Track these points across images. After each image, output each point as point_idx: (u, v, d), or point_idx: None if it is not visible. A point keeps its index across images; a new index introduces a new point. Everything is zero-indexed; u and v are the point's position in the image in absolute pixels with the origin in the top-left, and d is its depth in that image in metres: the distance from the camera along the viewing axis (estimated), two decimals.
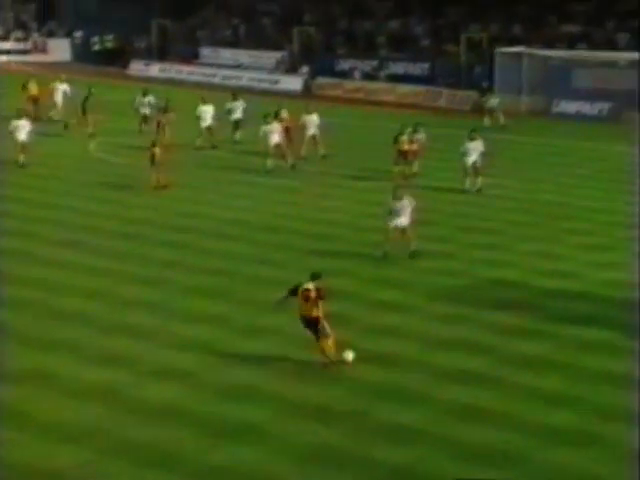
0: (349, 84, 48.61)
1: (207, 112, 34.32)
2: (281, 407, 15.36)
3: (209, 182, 30.10)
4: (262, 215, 26.37)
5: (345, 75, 49.75)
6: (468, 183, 28.52)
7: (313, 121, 32.83)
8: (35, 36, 60.07)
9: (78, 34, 59.99)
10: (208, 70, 53.32)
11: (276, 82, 50.61)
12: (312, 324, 16.78)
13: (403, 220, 22.34)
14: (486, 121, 37.95)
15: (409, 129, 30.55)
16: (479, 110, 40.25)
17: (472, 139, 28.56)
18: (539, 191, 29.07)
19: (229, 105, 35.57)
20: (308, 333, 16.90)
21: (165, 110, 34.63)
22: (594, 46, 43.24)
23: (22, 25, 61.31)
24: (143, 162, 29.68)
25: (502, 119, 38.48)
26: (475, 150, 28.33)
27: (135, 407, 15.34)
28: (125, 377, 16.31)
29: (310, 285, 16.77)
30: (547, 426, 14.80)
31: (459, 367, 16.77)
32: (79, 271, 21.71)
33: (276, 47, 53.47)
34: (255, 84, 49.84)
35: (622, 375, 16.47)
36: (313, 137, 32.90)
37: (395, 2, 51.96)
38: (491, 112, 38.58)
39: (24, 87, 40.06)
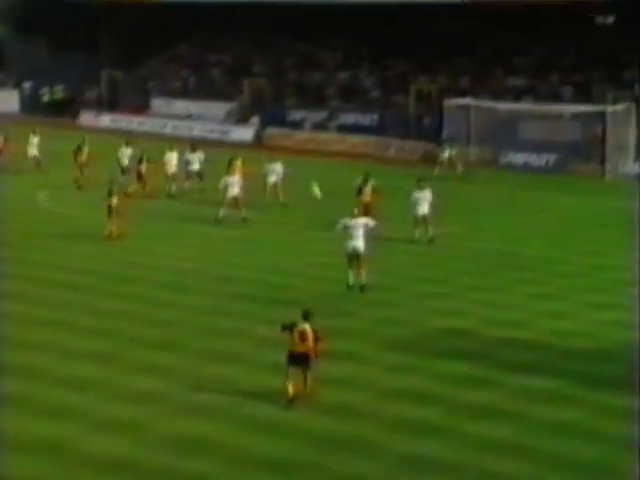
0: (300, 134, 48.93)
1: (172, 159, 35.08)
2: (233, 458, 15.22)
3: (161, 232, 29.99)
4: (215, 265, 26.29)
5: (296, 126, 50.10)
6: (418, 233, 28.72)
7: (276, 169, 33.37)
8: None
9: (27, 85, 59.81)
10: (159, 121, 53.42)
11: (227, 132, 50.81)
12: (302, 360, 16.91)
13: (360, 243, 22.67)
14: (437, 171, 38.41)
15: (371, 180, 30.47)
16: (432, 160, 40.77)
17: (421, 189, 28.81)
18: (488, 240, 29.33)
19: (188, 156, 35.71)
20: (290, 370, 16.87)
21: (141, 161, 34.64)
22: (539, 99, 44.05)
23: None
24: (93, 213, 29.53)
25: (460, 168, 39.10)
26: (424, 200, 28.58)
27: (83, 460, 15.10)
28: (73, 430, 16.08)
29: (306, 326, 16.98)
30: (499, 475, 14.81)
31: (411, 417, 16.76)
32: (22, 323, 21.42)
33: (227, 98, 53.75)
34: (206, 134, 49.99)
35: (572, 424, 16.57)
36: (275, 185, 33.23)
37: (345, 54, 52.58)
38: (450, 162, 39.18)
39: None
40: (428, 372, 18.87)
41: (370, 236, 23.66)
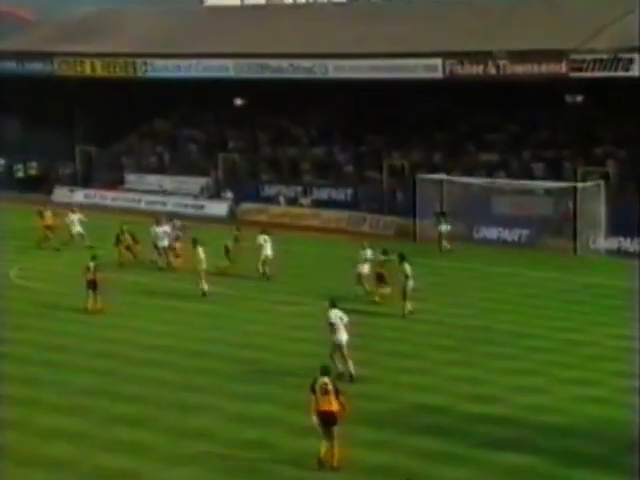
0: (274, 209, 49.21)
1: (164, 232, 35.64)
2: None
3: (133, 308, 29.96)
4: (188, 341, 26.26)
5: (270, 200, 50.42)
6: (410, 306, 28.83)
7: (267, 243, 34.23)
8: None
9: (0, 161, 59.99)
10: (133, 195, 53.63)
11: (201, 207, 51.05)
12: (331, 420, 17.60)
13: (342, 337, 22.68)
14: (444, 246, 39.33)
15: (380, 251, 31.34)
16: (406, 235, 41.23)
17: (402, 263, 29.09)
18: (461, 315, 29.49)
19: (155, 230, 35.93)
20: (321, 431, 17.46)
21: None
22: (512, 174, 44.66)
23: None
24: (66, 288, 29.50)
25: (448, 245, 39.60)
26: (410, 274, 28.89)
27: None
28: None
29: (326, 379, 17.87)
30: None
31: None
32: None
33: (201, 173, 54.08)
34: (180, 209, 50.14)
35: None
36: (266, 257, 34.09)
37: (318, 130, 53.21)
38: (440, 237, 39.72)
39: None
40: (402, 448, 18.84)
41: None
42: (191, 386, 22.40)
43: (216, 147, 54.90)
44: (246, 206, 50.25)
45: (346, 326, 23.12)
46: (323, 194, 49.67)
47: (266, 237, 34.68)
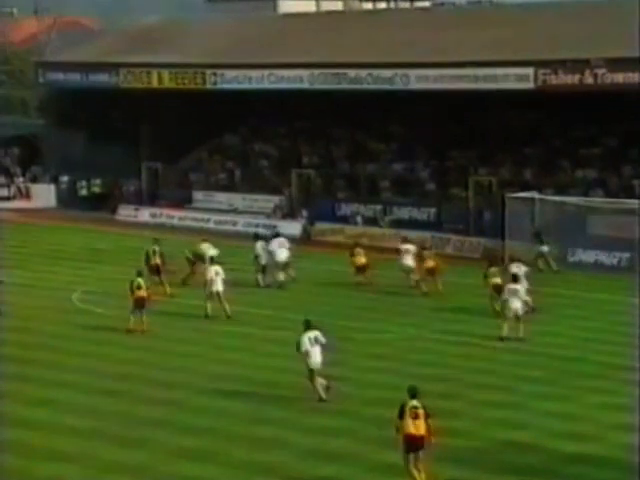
0: (351, 230, 49.26)
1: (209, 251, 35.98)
2: None
3: (194, 333, 30.25)
4: (256, 369, 26.42)
5: (346, 220, 50.50)
6: (506, 329, 29.03)
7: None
8: (18, 182, 61.25)
9: (64, 179, 61.08)
10: (201, 215, 54.18)
11: (273, 227, 51.28)
12: (419, 445, 18.08)
13: None
14: (540, 264, 39.27)
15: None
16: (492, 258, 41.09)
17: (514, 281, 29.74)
18: (553, 345, 29.17)
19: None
20: (406, 459, 17.96)
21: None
22: (610, 192, 44.08)
23: (4, 171, 62.54)
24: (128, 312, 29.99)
25: (554, 265, 39.47)
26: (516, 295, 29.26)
27: None
28: None
29: (416, 402, 18.44)
30: None
31: None
32: (53, 432, 21.64)
33: (273, 191, 54.43)
34: (251, 229, 50.49)
35: None
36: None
37: (399, 144, 53.18)
38: (542, 258, 39.63)
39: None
40: None
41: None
42: (261, 418, 22.52)
43: (289, 163, 55.21)
44: (321, 226, 50.41)
45: (324, 346, 23.54)
46: (403, 213, 49.58)
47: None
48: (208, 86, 54.20)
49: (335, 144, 55.09)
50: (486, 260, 34.73)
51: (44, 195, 60.07)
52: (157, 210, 56.23)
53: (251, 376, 25.86)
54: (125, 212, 56.83)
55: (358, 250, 37.75)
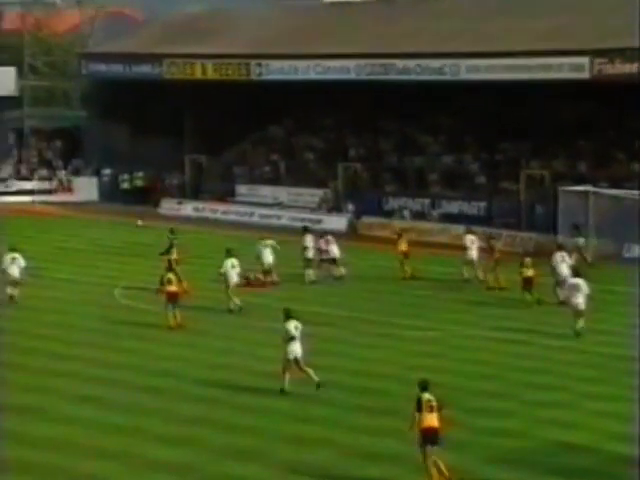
0: (398, 224, 49.11)
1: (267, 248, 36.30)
2: None
3: (239, 331, 30.32)
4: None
5: (394, 214, 50.40)
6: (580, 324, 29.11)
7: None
8: (60, 175, 61.71)
9: (106, 172, 61.47)
10: (245, 209, 54.30)
11: (319, 222, 51.27)
12: (435, 438, 18.46)
13: None
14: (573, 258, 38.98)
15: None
16: (545, 253, 40.75)
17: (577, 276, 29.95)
18: (608, 344, 28.91)
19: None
20: (426, 448, 18.29)
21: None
22: None
23: (47, 163, 63.07)
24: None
25: (589, 258, 39.27)
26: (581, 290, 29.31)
27: None
28: None
29: (429, 395, 18.82)
30: None
31: None
32: (97, 429, 21.79)
33: (319, 184, 54.43)
34: (296, 224, 50.51)
35: None
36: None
37: (448, 137, 52.96)
38: (577, 250, 39.35)
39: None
40: None
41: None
42: (307, 417, 22.52)
43: (335, 156, 55.16)
44: (368, 220, 50.35)
45: (300, 337, 23.97)
46: (453, 207, 49.38)
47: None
48: (253, 77, 54.29)
49: (382, 136, 54.96)
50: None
51: (86, 188, 60.51)
52: (200, 204, 56.44)
53: (295, 374, 25.83)
54: (168, 206, 57.10)
55: (402, 239, 37.94)
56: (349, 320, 31.72)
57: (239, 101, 55.33)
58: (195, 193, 58.47)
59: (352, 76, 50.67)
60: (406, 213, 50.14)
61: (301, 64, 52.48)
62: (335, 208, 52.87)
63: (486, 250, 36.56)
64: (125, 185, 60.67)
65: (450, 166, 51.87)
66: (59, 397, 23.88)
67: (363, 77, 50.31)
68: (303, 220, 51.33)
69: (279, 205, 54.45)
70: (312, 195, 54.17)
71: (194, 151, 59.37)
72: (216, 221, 52.87)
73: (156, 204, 57.15)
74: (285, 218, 52.45)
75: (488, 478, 19.14)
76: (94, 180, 61.27)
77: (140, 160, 58.52)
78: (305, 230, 38.61)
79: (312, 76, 52.09)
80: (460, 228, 47.27)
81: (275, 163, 57.58)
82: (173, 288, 30.06)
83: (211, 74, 55.57)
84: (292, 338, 24.03)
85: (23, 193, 59.80)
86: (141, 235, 47.73)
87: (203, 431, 21.68)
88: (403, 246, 37.77)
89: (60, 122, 65.97)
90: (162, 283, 30.46)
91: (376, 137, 55.04)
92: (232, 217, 53.89)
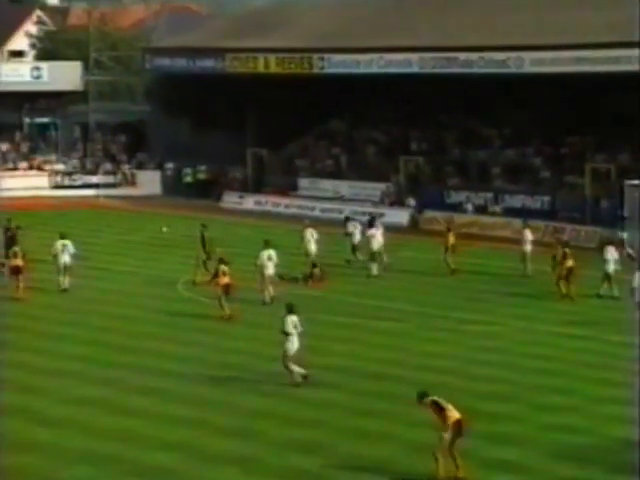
0: (461, 218, 48.86)
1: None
2: None
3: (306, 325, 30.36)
4: (364, 361, 26.37)
5: (456, 208, 50.12)
6: None
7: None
8: (124, 169, 62.21)
9: (169, 166, 61.86)
10: (307, 203, 54.31)
11: (380, 216, 51.17)
12: (462, 428, 18.56)
13: None
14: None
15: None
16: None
17: None
18: None
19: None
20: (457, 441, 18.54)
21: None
22: None
23: (111, 157, 63.67)
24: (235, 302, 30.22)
25: (631, 251, 38.73)
26: None
27: None
28: None
29: (435, 397, 19.02)
30: None
31: None
32: (159, 421, 21.92)
33: (381, 178, 54.29)
34: (358, 218, 50.43)
35: None
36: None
37: (512, 130, 52.51)
38: (622, 245, 38.85)
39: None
40: None
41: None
42: (369, 411, 22.47)
43: (397, 149, 55.00)
44: (430, 214, 50.11)
45: (299, 335, 23.90)
46: (516, 201, 48.98)
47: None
48: (315, 71, 54.27)
49: (445, 130, 54.66)
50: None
51: (149, 182, 60.93)
52: (262, 197, 56.57)
53: (357, 368, 25.80)
54: (230, 199, 57.34)
55: (450, 233, 37.72)
56: (412, 315, 31.61)
57: (301, 95, 55.33)
58: (257, 187, 58.63)
59: (415, 69, 50.43)
60: (469, 207, 49.82)
61: (363, 58, 52.35)
62: (397, 202, 52.72)
63: (550, 245, 36.17)
64: (188, 179, 61.03)
65: (513, 159, 51.43)
66: (122, 389, 24.06)
67: (426, 70, 50.04)
68: (365, 214, 51.24)
69: (340, 199, 54.41)
70: (374, 189, 54.07)
71: (256, 145, 59.51)
72: (278, 215, 52.95)
73: (218, 198, 57.41)
74: (346, 212, 52.36)
75: (552, 474, 18.93)
76: (157, 174, 61.69)
77: (203, 154, 58.80)
78: (347, 219, 40.39)
79: (374, 70, 51.95)
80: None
81: (337, 157, 57.54)
82: (227, 280, 30.22)
83: (273, 68, 55.66)
84: (289, 334, 23.88)
85: (88, 187, 60.42)
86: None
87: (264, 423, 21.72)
88: (451, 239, 37.42)
89: (124, 116, 66.57)
90: (216, 275, 30.60)
91: (438, 130, 54.75)
92: (293, 211, 53.91)
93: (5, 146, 62.84)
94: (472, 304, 32.86)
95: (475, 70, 48.21)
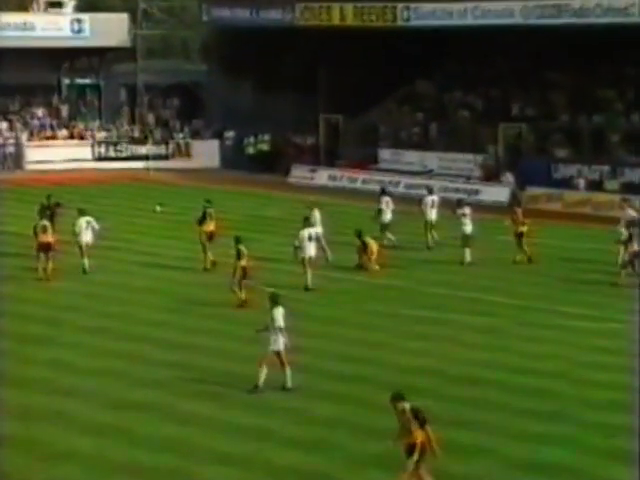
0: (571, 195, 48.47)
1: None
2: None
3: (380, 318, 30.37)
4: (452, 363, 26.33)
5: (565, 184, 49.74)
6: None
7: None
8: (178, 138, 62.60)
9: (229, 134, 62.23)
10: (389, 177, 54.24)
11: (476, 192, 50.99)
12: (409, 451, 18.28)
13: None
14: None
15: None
16: None
17: None
18: None
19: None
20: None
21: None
22: None
23: (162, 125, 64.09)
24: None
25: None
26: None
27: None
28: None
29: (406, 406, 18.61)
30: None
31: None
32: (216, 430, 22.08)
33: (476, 149, 54.07)
34: (449, 195, 50.23)
35: None
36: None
37: (635, 91, 51.88)
38: None
39: None
40: None
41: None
42: (461, 421, 22.39)
43: (496, 115, 54.71)
44: (534, 191, 49.80)
45: (281, 331, 23.75)
46: (637, 176, 48.52)
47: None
48: (399, 23, 54.16)
49: (552, 91, 54.24)
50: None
51: (206, 153, 61.39)
52: (337, 171, 56.65)
53: (445, 370, 25.73)
54: (299, 174, 57.49)
55: (517, 213, 36.99)
56: (509, 308, 31.46)
57: (383, 51, 55.22)
58: (330, 159, 58.71)
59: (518, 20, 50.09)
60: (580, 183, 49.39)
61: (456, 7, 52.12)
62: (495, 177, 52.46)
63: None
64: (250, 150, 61.34)
65: (636, 126, 50.87)
66: (173, 392, 24.25)
67: (531, 21, 49.65)
68: (457, 191, 51.03)
69: (428, 173, 54.27)
70: (467, 161, 53.92)
71: (330, 110, 59.57)
72: (355, 191, 52.97)
73: (286, 172, 57.59)
74: (435, 188, 52.10)
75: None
76: (215, 144, 62.10)
77: (268, 121, 59.02)
78: (383, 192, 40.71)
79: (469, 21, 51.69)
80: None
81: (424, 124, 57.40)
82: (244, 263, 30.70)
83: (351, 20, 55.64)
84: (279, 329, 23.82)
85: (136, 159, 61.03)
86: (268, 208, 48.12)
87: (339, 434, 21.80)
88: (524, 227, 36.65)
89: (178, 77, 67.06)
90: (239, 257, 30.71)
91: (545, 92, 54.34)
92: (374, 187, 53.83)
93: (41, 111, 63.61)
94: (583, 297, 32.59)
95: (590, 20, 47.71)
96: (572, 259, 36.93)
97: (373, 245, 35.43)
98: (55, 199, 38.72)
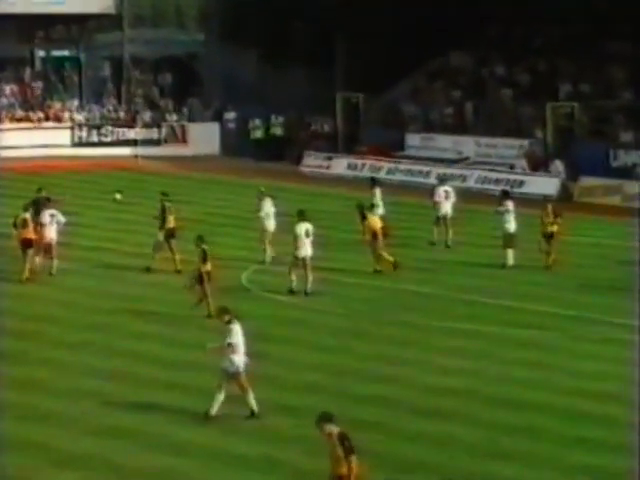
0: (631, 187, 48.50)
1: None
2: None
3: (413, 331, 30.49)
4: (490, 383, 26.40)
5: (626, 174, 49.73)
6: None
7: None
8: (171, 120, 62.65)
9: (230, 116, 62.29)
10: (418, 167, 54.31)
11: (520, 184, 51.01)
12: None
13: None
14: None
15: None
16: None
17: None
18: None
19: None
20: None
21: None
22: None
23: (153, 105, 64.10)
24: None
25: None
26: None
27: None
28: None
29: (334, 429, 18.06)
30: None
31: None
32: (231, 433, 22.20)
33: (520, 133, 54.12)
34: (489, 186, 50.28)
35: None
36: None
37: None
38: None
39: None
40: None
41: None
42: (500, 452, 22.48)
43: (543, 93, 54.73)
44: (588, 181, 49.85)
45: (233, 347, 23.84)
46: None
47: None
48: None
49: (611, 64, 54.24)
50: None
51: (204, 138, 61.52)
52: (357, 159, 56.71)
53: (484, 392, 25.82)
54: (314, 162, 57.60)
55: (547, 212, 36.95)
56: (561, 319, 31.56)
57: (410, 18, 55.28)
58: (349, 145, 58.79)
59: None
60: None
61: None
62: (542, 165, 52.49)
63: None
64: (256, 134, 61.42)
65: None
66: (201, 395, 24.49)
67: None
68: (498, 182, 51.11)
69: (465, 161, 54.32)
70: (510, 147, 53.97)
71: (348, 87, 59.69)
72: (379, 182, 52.92)
73: (297, 160, 57.66)
74: (472, 179, 52.25)
75: None
76: (215, 127, 62.20)
77: (276, 100, 59.13)
78: (373, 182, 42.34)
79: None
80: None
81: (459, 103, 57.47)
82: (209, 267, 31.28)
83: None
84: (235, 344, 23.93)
85: (122, 144, 61.13)
86: (278, 201, 48.13)
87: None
88: (553, 226, 36.47)
89: (171, 49, 67.21)
90: (205, 259, 31.35)
91: (602, 65, 54.34)
92: (400, 177, 53.97)
93: (10, 88, 63.60)
94: None
95: None
96: (632, 262, 36.89)
97: (375, 223, 35.62)
98: (47, 193, 38.55)
